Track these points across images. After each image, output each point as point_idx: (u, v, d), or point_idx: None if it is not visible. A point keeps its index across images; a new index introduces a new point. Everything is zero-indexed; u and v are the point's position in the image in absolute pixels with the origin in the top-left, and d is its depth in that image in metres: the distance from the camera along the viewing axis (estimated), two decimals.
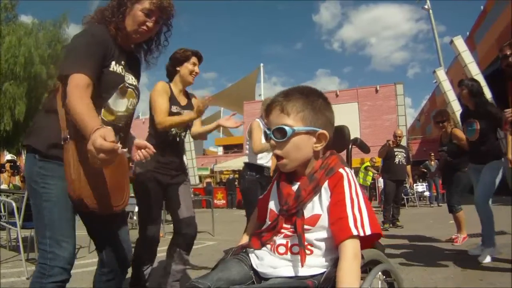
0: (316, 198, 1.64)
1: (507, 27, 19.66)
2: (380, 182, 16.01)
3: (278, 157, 1.66)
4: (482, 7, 24.72)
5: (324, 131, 1.65)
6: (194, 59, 3.91)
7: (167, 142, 3.78)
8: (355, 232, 1.47)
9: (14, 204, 5.50)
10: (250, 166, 5.35)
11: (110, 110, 2.32)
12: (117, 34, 2.34)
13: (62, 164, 2.09)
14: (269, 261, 1.63)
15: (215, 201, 23.14)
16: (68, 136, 2.07)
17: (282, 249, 1.64)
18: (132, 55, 2.55)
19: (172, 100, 3.81)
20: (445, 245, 6.62)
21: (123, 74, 2.37)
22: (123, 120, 2.43)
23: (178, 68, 3.90)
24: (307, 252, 1.58)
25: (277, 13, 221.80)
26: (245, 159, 5.59)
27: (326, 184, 1.63)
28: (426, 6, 29.74)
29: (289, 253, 1.62)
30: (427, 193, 20.24)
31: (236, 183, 26.05)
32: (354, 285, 1.37)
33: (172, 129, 3.78)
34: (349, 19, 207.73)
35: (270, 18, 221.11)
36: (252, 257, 1.70)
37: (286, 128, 1.60)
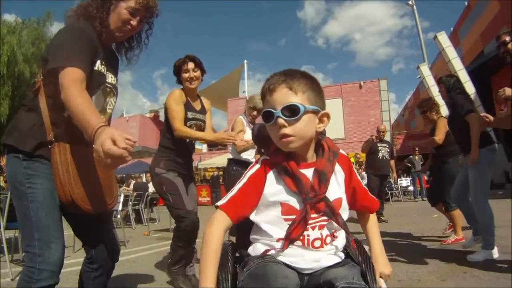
0: (332, 181, 1.68)
1: (492, 23, 19.89)
2: (364, 177, 16.12)
3: (285, 136, 1.58)
4: (466, 3, 24.90)
5: (327, 112, 1.67)
6: (188, 65, 4.10)
7: (184, 145, 4.15)
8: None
9: None
10: (235, 162, 5.40)
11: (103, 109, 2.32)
12: (101, 31, 2.30)
13: (48, 163, 2.07)
14: (310, 255, 1.60)
15: (200, 198, 23.13)
16: (53, 139, 2.05)
17: (317, 243, 1.61)
18: (111, 53, 2.52)
19: (188, 106, 4.15)
20: (430, 239, 6.67)
21: (105, 73, 2.34)
22: (105, 119, 2.37)
23: (179, 77, 4.17)
24: (332, 239, 1.66)
25: (261, 10, 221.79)
26: (229, 155, 5.61)
27: (337, 165, 1.72)
28: (410, 2, 29.79)
29: (324, 245, 1.62)
30: (411, 188, 20.39)
31: (220, 180, 26.02)
32: None
33: None
34: (334, 15, 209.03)
35: (254, 15, 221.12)
36: (283, 258, 1.58)
37: (299, 105, 1.57)
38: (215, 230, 1.58)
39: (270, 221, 1.64)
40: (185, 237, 4.02)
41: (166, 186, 4.01)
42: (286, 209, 1.61)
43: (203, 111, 4.36)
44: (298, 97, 1.59)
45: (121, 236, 7.59)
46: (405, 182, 20.53)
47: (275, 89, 1.62)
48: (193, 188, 4.36)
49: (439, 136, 6.13)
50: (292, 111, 1.57)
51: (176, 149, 4.11)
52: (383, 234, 7.33)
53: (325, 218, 1.62)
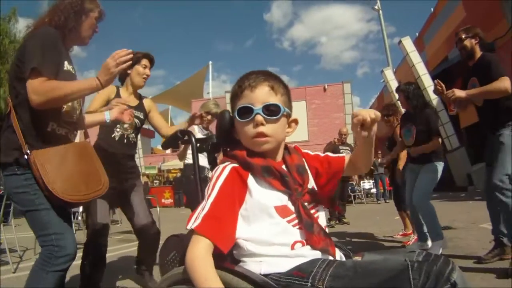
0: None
1: (456, 29, 20.21)
2: None
3: (261, 135, 1.54)
4: (432, 9, 25.26)
5: (297, 118, 1.72)
6: (144, 61, 3.89)
7: (114, 144, 3.72)
8: None
9: None
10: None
11: (72, 107, 2.55)
12: (69, 36, 2.56)
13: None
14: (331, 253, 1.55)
15: (163, 200, 23.22)
16: (28, 152, 2.23)
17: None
18: None
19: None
20: (391, 240, 6.71)
21: (74, 72, 2.57)
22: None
23: (129, 71, 3.83)
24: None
25: (228, 11, 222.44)
26: (187, 160, 5.48)
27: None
28: (376, 7, 30.12)
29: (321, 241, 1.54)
30: (374, 190, 20.64)
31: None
32: None
33: (118, 129, 3.74)
34: (300, 18, 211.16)
35: (220, 16, 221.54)
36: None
37: (280, 106, 1.57)
38: (195, 255, 1.35)
39: (277, 229, 1.49)
40: (90, 249, 3.71)
41: None
42: (281, 211, 1.51)
43: (140, 108, 3.94)
44: (277, 98, 1.59)
45: (83, 238, 7.43)
46: (367, 184, 20.72)
47: (256, 86, 1.58)
48: (135, 196, 3.90)
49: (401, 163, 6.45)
50: (272, 111, 1.55)
51: (106, 150, 3.62)
52: (345, 235, 7.43)
53: (316, 209, 1.62)
